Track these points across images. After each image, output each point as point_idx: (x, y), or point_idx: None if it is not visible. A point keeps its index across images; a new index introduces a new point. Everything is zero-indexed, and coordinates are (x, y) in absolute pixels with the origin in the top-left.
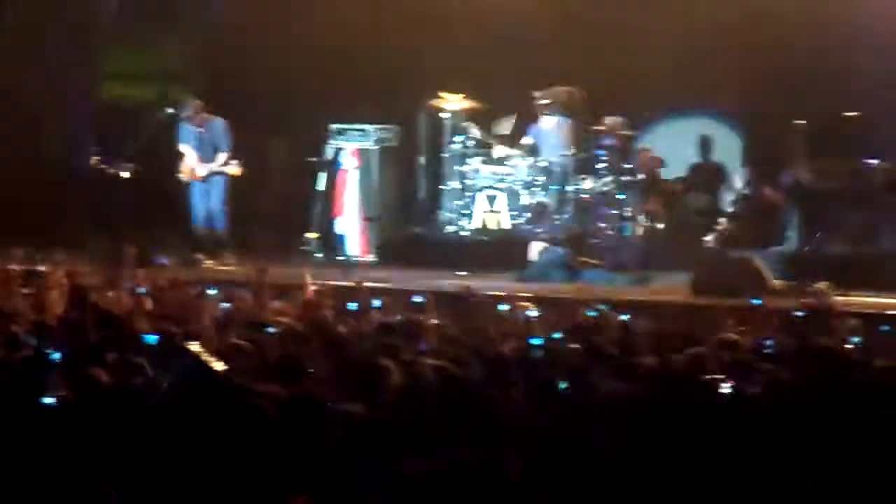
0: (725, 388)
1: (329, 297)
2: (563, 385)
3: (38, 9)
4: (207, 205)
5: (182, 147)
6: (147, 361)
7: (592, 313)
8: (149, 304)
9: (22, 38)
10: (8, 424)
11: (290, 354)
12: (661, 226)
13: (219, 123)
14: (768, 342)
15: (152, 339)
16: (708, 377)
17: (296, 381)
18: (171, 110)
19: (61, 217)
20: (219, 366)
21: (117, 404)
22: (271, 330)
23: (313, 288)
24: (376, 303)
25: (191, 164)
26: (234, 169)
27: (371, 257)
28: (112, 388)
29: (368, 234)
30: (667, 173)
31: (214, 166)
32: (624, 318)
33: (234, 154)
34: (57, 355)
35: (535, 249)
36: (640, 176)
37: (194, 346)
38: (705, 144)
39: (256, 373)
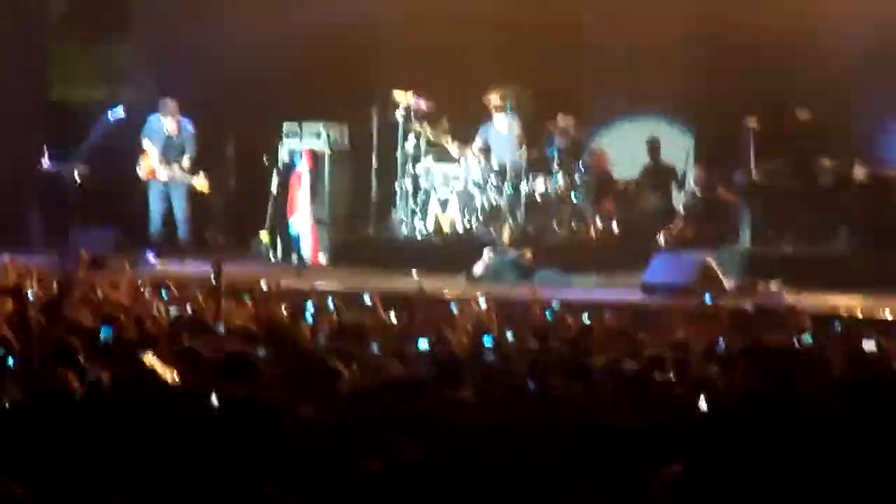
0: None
1: (282, 299)
2: (531, 385)
3: None
4: (166, 207)
5: (145, 144)
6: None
7: (546, 313)
8: (102, 307)
9: None
10: None
11: (241, 355)
12: (614, 226)
13: (189, 127)
14: (720, 343)
15: (107, 331)
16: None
17: (247, 382)
18: (121, 111)
19: (13, 219)
20: (169, 373)
21: (67, 407)
22: (222, 330)
23: (266, 289)
24: (329, 305)
25: (153, 163)
26: (202, 183)
27: (324, 258)
28: (65, 391)
29: (321, 236)
30: (619, 173)
31: (178, 172)
32: (578, 317)
33: (198, 163)
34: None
35: (488, 250)
36: (592, 176)
37: (145, 354)
38: (653, 146)
39: (207, 375)
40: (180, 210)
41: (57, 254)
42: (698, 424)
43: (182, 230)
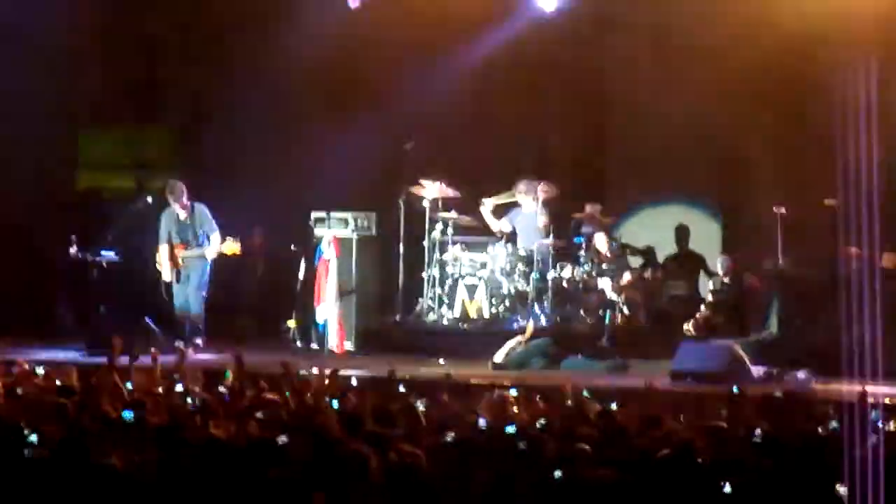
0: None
1: (308, 386)
2: (557, 473)
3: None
4: (186, 289)
5: (162, 249)
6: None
7: (573, 401)
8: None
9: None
10: None
11: (265, 440)
12: (641, 313)
13: (202, 207)
14: (748, 429)
15: (129, 414)
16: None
17: (271, 466)
18: (149, 199)
19: (42, 306)
20: None
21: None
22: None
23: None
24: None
25: (165, 257)
26: (232, 246)
27: (350, 345)
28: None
29: (347, 323)
30: (636, 260)
31: (198, 251)
32: (605, 405)
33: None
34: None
35: (515, 337)
36: (618, 263)
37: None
38: (682, 233)
39: (231, 461)
40: (197, 287)
41: (84, 343)
42: None
43: (198, 308)
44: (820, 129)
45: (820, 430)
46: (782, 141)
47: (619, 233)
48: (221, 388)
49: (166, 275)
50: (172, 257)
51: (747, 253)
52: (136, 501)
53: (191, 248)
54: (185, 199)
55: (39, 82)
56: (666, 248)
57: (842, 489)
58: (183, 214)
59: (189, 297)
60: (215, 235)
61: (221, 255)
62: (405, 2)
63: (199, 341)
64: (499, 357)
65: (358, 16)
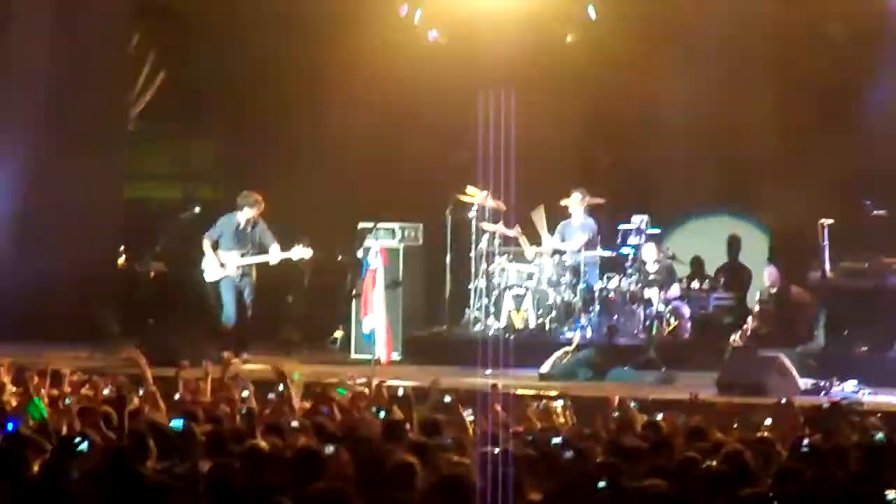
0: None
1: (356, 396)
2: (601, 484)
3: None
4: (237, 300)
5: (205, 245)
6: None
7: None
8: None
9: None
10: None
11: (310, 450)
12: (687, 324)
13: (263, 222)
14: (796, 441)
15: (178, 423)
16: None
17: (316, 477)
18: (196, 209)
19: (91, 316)
20: None
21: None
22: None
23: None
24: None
25: (210, 262)
26: (303, 251)
27: (397, 356)
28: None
29: (394, 333)
30: (684, 270)
31: (260, 258)
32: (651, 416)
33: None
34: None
35: (562, 348)
36: (666, 274)
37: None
38: (733, 244)
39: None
40: (248, 298)
41: (133, 352)
42: None
43: (246, 319)
44: (867, 137)
45: (868, 440)
46: (831, 150)
47: (666, 244)
48: (270, 397)
49: (211, 274)
50: (219, 260)
51: (794, 264)
52: None
53: (248, 256)
54: (258, 211)
55: (91, 94)
56: (712, 259)
57: (891, 494)
58: (243, 223)
59: (238, 306)
60: (275, 246)
61: (285, 262)
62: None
63: (245, 353)
64: (545, 368)
65: (397, 34)
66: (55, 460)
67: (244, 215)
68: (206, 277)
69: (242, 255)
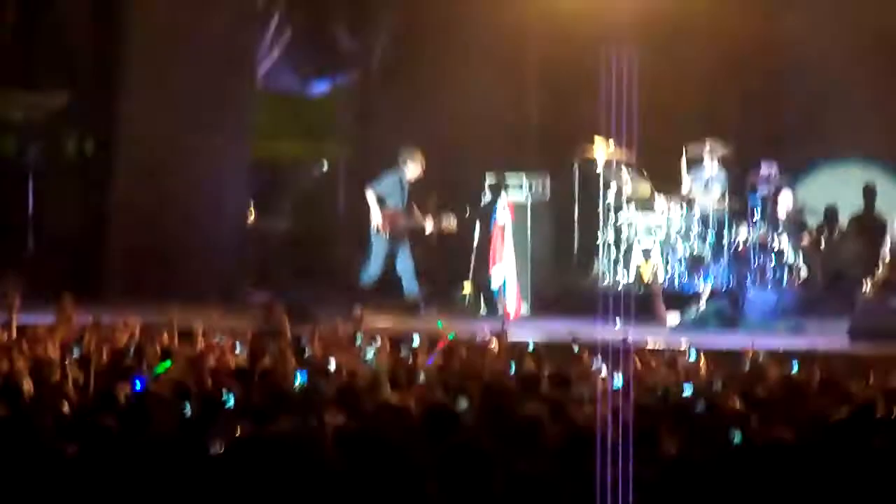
0: None
1: (484, 351)
2: (737, 437)
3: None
4: (390, 260)
5: (369, 197)
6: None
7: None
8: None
9: (176, 95)
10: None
11: (440, 405)
12: (819, 273)
13: None
14: None
15: (303, 376)
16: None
17: (449, 433)
18: (325, 166)
19: (222, 274)
20: None
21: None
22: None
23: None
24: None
25: (376, 218)
26: (452, 224)
27: (526, 309)
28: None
29: (523, 286)
30: (817, 220)
31: (418, 224)
32: (784, 367)
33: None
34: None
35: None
36: (796, 223)
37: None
38: (869, 192)
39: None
40: (409, 262)
41: (262, 308)
42: None
43: (411, 284)
44: None
45: None
46: None
47: (798, 192)
48: (403, 352)
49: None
50: (387, 219)
51: None
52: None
53: (409, 220)
54: (421, 168)
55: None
56: (844, 209)
57: None
58: (405, 181)
59: (405, 272)
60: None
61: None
62: None
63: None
64: (675, 319)
65: None
66: (198, 418)
67: (410, 172)
68: (372, 234)
69: (405, 219)
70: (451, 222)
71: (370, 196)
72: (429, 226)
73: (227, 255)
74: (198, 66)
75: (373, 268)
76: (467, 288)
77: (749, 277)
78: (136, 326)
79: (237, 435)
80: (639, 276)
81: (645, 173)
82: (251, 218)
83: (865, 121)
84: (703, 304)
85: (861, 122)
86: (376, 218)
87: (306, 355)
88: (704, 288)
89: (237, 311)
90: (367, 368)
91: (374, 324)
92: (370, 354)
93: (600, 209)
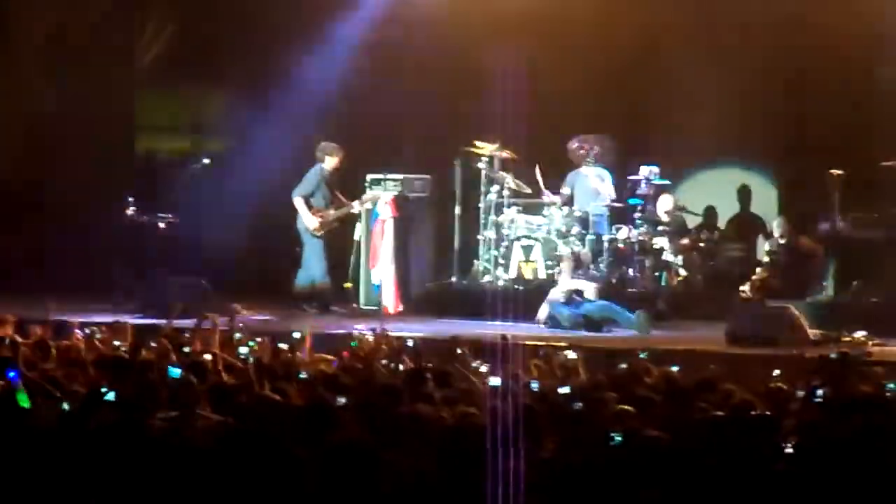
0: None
1: (364, 346)
2: (617, 437)
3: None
4: (322, 259)
5: (297, 203)
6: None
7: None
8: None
9: (65, 89)
10: None
11: (322, 401)
12: (697, 275)
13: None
14: (806, 392)
15: (174, 372)
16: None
17: (329, 428)
18: (206, 161)
19: (100, 270)
20: None
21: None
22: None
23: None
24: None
25: (307, 218)
26: (374, 194)
27: (405, 307)
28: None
29: (403, 284)
30: (695, 221)
31: (345, 209)
32: (667, 367)
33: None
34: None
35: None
36: (675, 225)
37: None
38: (744, 194)
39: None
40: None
41: (139, 305)
42: (784, 471)
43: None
44: (884, 86)
45: (879, 390)
46: (841, 101)
47: (676, 195)
48: (282, 348)
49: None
50: (319, 215)
51: (804, 215)
52: (188, 463)
53: (338, 210)
54: (339, 160)
55: (99, 43)
56: (723, 211)
57: None
58: (328, 174)
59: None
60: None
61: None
62: None
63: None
64: (540, 315)
65: None
66: (79, 410)
67: (329, 164)
68: (305, 237)
69: (333, 209)
70: (373, 196)
71: (298, 202)
72: (356, 207)
73: (104, 249)
74: (77, 62)
75: (315, 269)
76: (347, 284)
77: (628, 277)
78: (11, 321)
79: (113, 427)
80: (519, 274)
81: (533, 172)
82: (129, 211)
83: (746, 125)
84: (580, 303)
85: (741, 125)
86: (310, 221)
87: (186, 350)
88: (585, 287)
89: (114, 304)
90: (243, 364)
91: (256, 319)
92: (246, 350)
93: (481, 207)
